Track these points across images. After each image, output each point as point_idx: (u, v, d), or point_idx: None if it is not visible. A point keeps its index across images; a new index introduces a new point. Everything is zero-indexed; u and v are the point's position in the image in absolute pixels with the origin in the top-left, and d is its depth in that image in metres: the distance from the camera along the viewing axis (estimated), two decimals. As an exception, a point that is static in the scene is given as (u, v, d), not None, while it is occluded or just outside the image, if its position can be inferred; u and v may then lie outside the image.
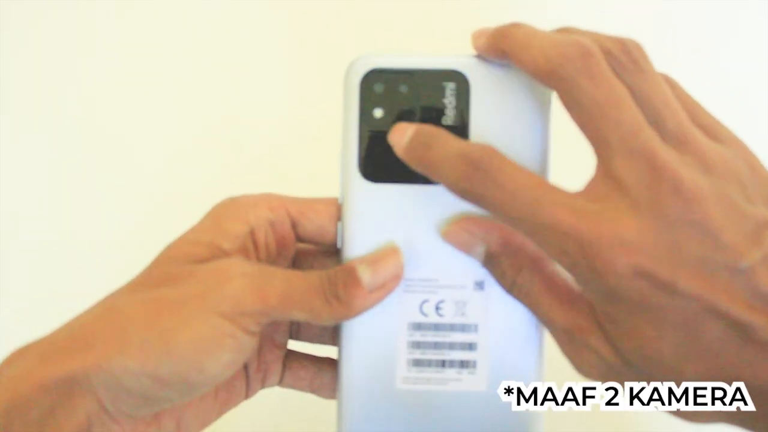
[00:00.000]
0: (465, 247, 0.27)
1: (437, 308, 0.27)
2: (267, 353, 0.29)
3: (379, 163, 0.27)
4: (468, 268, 0.27)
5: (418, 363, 0.28)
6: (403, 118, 0.27)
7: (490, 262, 0.27)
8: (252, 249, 0.27)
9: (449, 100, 0.27)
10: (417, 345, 0.28)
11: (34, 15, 0.49)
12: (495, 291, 0.27)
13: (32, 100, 0.49)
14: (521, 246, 0.26)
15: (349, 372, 0.28)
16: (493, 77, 0.27)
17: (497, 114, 0.27)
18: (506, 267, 0.26)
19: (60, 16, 0.49)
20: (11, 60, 0.49)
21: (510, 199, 0.23)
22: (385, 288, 0.26)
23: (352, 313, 0.26)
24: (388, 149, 0.27)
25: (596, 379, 0.24)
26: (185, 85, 0.49)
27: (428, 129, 0.26)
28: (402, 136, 0.26)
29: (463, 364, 0.28)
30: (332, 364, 0.30)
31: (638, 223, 0.22)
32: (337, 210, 0.28)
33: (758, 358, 0.21)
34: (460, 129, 0.27)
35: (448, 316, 0.27)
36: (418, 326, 0.28)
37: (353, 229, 0.27)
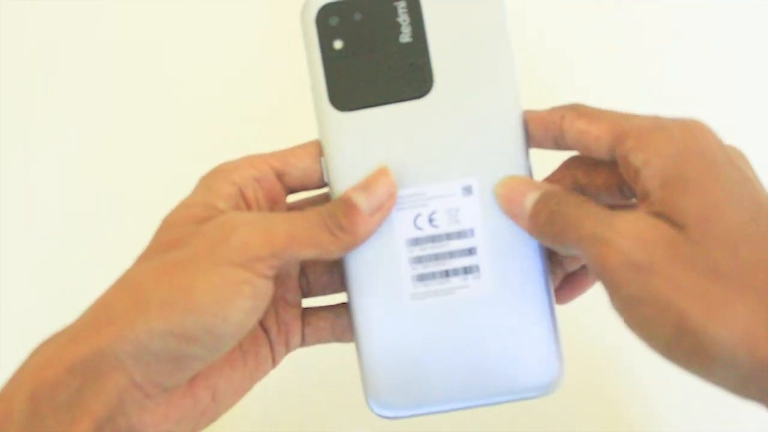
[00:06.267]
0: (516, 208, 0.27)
1: (430, 220, 0.28)
2: (284, 314, 0.30)
3: (348, 92, 0.27)
4: (453, 176, 0.27)
5: (422, 277, 0.28)
6: (363, 45, 0.27)
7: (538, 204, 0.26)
8: (244, 206, 0.28)
9: (403, 19, 0.27)
10: (418, 260, 0.28)
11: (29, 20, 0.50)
12: (484, 193, 0.27)
13: (26, 103, 0.50)
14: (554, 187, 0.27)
15: (359, 301, 0.28)
16: None
17: (453, 24, 0.27)
18: (551, 204, 0.26)
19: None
20: (11, 64, 0.50)
21: None
22: (383, 208, 0.27)
23: (358, 239, 0.26)
24: (354, 78, 0.27)
25: (628, 270, 0.22)
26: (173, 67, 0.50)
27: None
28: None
29: (467, 270, 0.28)
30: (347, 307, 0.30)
31: None
32: (317, 149, 0.28)
33: None
34: (419, 44, 0.27)
35: (443, 226, 0.28)
36: (415, 241, 0.28)
37: (336, 160, 0.28)
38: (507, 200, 0.27)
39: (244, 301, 0.24)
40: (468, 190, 0.28)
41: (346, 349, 0.30)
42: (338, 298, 0.31)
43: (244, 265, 0.24)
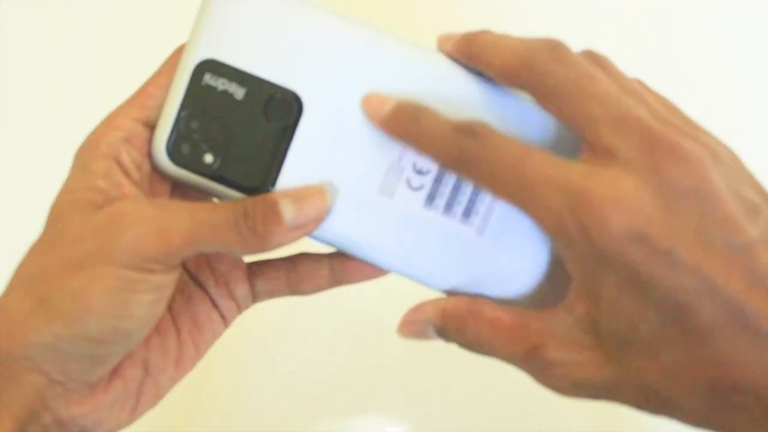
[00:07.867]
0: (421, 335, 0.26)
1: (418, 171, 0.26)
2: (217, 264, 0.28)
3: None
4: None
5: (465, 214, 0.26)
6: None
7: (441, 334, 0.26)
8: (123, 176, 0.25)
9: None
10: (449, 206, 0.26)
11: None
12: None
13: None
14: (455, 305, 0.25)
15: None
16: None
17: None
18: (453, 332, 0.25)
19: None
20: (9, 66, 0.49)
21: (498, 160, 0.22)
22: (304, 229, 0.24)
23: (267, 247, 0.24)
24: None
25: (570, 392, 0.23)
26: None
27: (412, 103, 0.25)
28: (380, 107, 0.25)
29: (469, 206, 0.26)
30: (306, 256, 0.28)
31: (635, 184, 0.21)
32: (168, 79, 0.25)
33: (752, 351, 0.20)
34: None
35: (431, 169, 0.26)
36: (431, 199, 0.26)
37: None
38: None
39: (143, 296, 0.23)
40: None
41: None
42: (291, 248, 0.27)
43: (135, 267, 0.23)
